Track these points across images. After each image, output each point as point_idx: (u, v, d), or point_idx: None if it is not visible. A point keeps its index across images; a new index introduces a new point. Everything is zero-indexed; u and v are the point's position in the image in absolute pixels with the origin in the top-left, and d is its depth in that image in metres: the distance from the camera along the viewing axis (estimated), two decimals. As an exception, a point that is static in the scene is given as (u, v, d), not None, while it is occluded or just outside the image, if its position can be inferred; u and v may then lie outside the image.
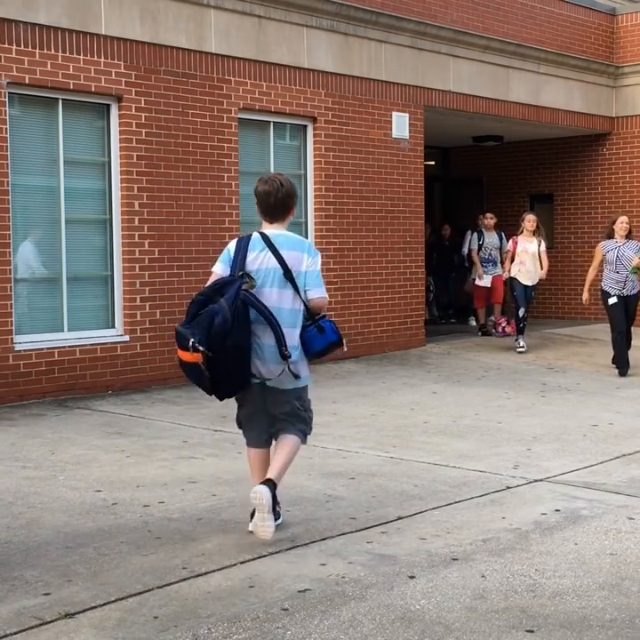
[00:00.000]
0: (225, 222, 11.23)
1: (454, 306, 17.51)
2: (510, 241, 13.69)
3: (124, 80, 10.26)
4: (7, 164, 9.43)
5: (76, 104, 10.10)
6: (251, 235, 5.30)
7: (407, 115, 13.35)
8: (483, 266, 15.17)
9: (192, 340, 4.99)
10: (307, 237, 12.38)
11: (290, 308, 5.21)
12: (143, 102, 10.43)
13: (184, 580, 4.68)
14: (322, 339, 5.24)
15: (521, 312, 13.30)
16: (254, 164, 11.81)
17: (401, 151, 13.32)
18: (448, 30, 13.66)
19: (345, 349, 5.41)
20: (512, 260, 13.44)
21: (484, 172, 18.44)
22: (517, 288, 13.40)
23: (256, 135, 11.85)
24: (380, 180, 13.01)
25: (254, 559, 4.98)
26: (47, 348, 9.73)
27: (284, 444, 5.32)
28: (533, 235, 13.41)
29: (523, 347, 13.25)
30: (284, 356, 5.10)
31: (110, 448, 7.61)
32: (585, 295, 12.33)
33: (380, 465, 7.10)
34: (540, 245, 13.38)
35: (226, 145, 11.23)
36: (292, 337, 5.19)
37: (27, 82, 9.55)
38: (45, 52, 9.63)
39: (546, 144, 17.56)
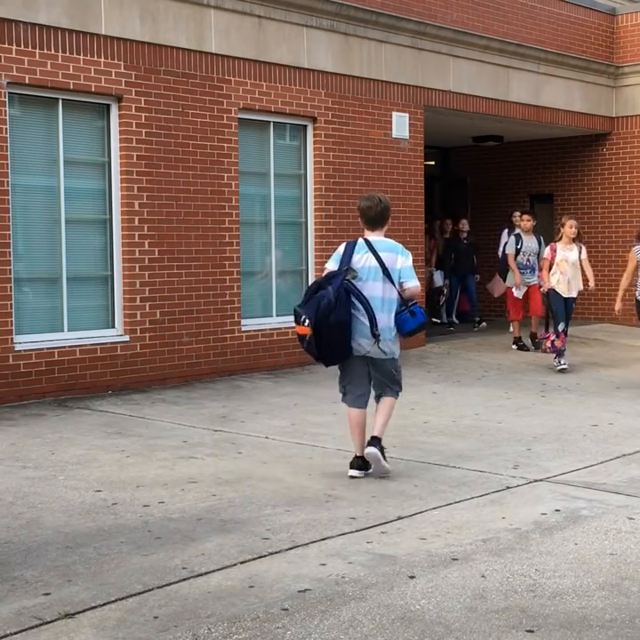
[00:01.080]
0: (225, 222, 11.23)
1: (478, 310, 16.39)
2: (548, 248, 12.38)
3: (123, 80, 10.26)
4: (7, 164, 9.43)
5: (76, 104, 10.10)
6: (357, 240, 6.79)
7: (407, 115, 13.35)
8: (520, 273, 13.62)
9: (303, 316, 6.44)
10: (306, 237, 12.40)
11: (387, 297, 6.58)
12: (143, 102, 10.43)
13: (184, 579, 4.68)
14: (413, 321, 6.73)
15: (560, 327, 11.96)
16: (254, 164, 11.81)
17: (401, 151, 13.32)
18: (448, 30, 13.66)
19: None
20: (549, 270, 12.10)
21: (471, 173, 18.48)
22: (556, 301, 12.03)
23: (256, 135, 11.85)
24: (379, 180, 13.01)
25: (254, 559, 4.98)
26: (47, 348, 9.73)
27: (384, 404, 6.78)
28: (573, 241, 12.16)
29: (564, 364, 11.90)
30: (374, 334, 6.51)
31: (110, 448, 7.61)
32: (617, 305, 11.45)
33: (380, 465, 7.09)
34: (580, 253, 12.16)
35: (226, 145, 11.23)
36: (386, 320, 6.61)
37: (27, 82, 9.55)
38: (45, 52, 9.63)
39: (546, 144, 17.56)
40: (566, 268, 11.94)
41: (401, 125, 13.27)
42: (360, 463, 6.59)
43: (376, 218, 6.77)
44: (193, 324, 10.94)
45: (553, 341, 11.98)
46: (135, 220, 10.42)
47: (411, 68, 13.36)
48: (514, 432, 8.34)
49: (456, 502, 6.09)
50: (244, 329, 11.48)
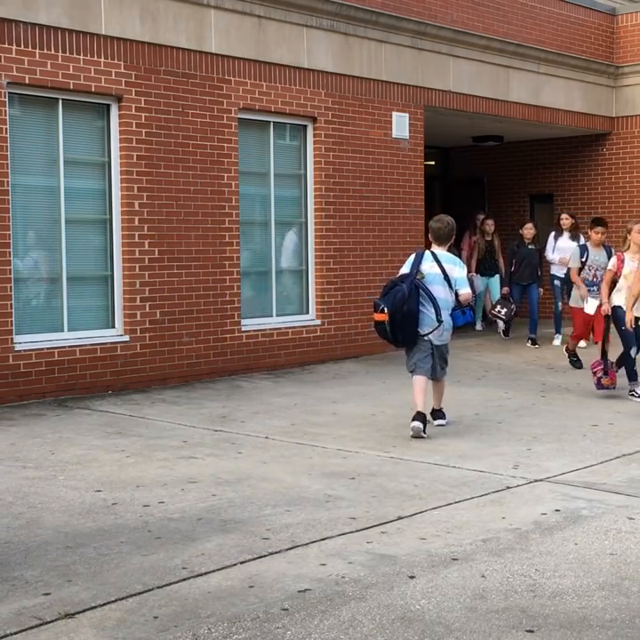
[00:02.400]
0: (225, 222, 11.23)
1: (536, 327, 14.36)
2: (613, 258, 10.48)
3: (123, 80, 10.26)
4: (7, 164, 9.43)
5: (76, 104, 10.10)
6: (424, 251, 8.66)
7: (407, 115, 13.35)
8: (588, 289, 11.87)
9: (382, 305, 8.22)
10: (307, 237, 12.40)
11: (445, 297, 8.33)
12: (143, 102, 10.43)
13: (184, 579, 4.68)
14: (462, 318, 8.52)
15: (633, 352, 10.05)
16: (254, 164, 11.81)
17: (401, 151, 13.32)
18: (448, 30, 13.66)
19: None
20: (614, 284, 10.25)
21: (471, 173, 18.46)
22: (625, 320, 9.87)
23: (256, 135, 11.85)
24: (379, 179, 13.01)
25: (254, 559, 4.98)
26: (47, 348, 9.73)
27: (440, 384, 8.79)
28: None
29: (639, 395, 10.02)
30: (438, 320, 8.24)
31: (110, 448, 7.61)
32: (628, 316, 9.88)
33: (380, 465, 7.10)
34: None
35: (226, 145, 11.23)
36: (445, 315, 8.32)
37: (27, 82, 9.55)
38: (45, 52, 9.63)
39: (546, 144, 17.56)
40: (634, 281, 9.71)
41: (401, 125, 13.27)
42: (421, 417, 8.17)
43: (442, 237, 8.52)
44: (193, 324, 10.94)
45: (600, 377, 10.06)
46: (135, 220, 10.42)
47: (411, 68, 13.36)
48: (514, 432, 8.34)
49: (456, 502, 6.09)
50: (243, 329, 11.48)
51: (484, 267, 15.39)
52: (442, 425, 8.65)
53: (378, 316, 8.30)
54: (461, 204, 18.30)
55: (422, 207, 13.77)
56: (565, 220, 14.35)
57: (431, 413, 8.66)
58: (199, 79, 10.95)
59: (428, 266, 8.42)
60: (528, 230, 14.44)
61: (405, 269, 8.61)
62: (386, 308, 8.17)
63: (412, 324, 8.24)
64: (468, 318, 8.67)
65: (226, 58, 11.22)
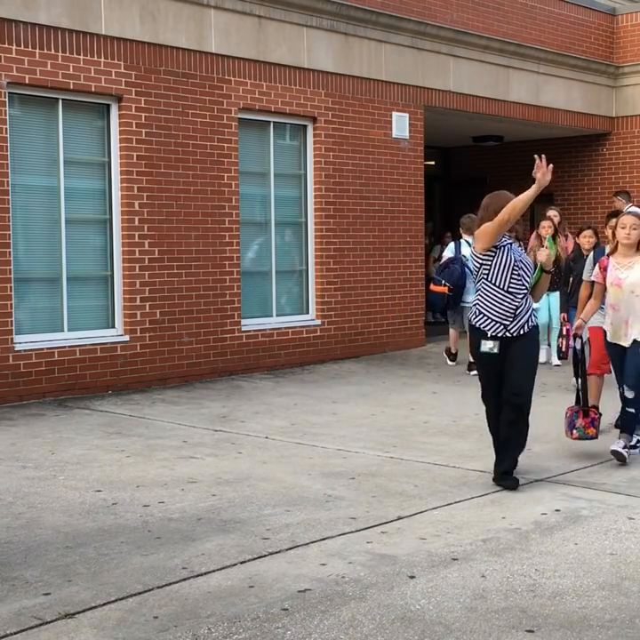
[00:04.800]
0: (225, 222, 11.23)
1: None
2: (597, 266, 7.79)
3: (123, 80, 10.26)
4: (7, 164, 9.43)
5: (76, 104, 10.10)
6: (460, 240, 12.01)
7: (407, 115, 13.35)
8: None
9: (443, 280, 11.60)
10: (307, 237, 12.40)
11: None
12: (143, 102, 10.43)
13: (184, 579, 4.68)
14: None
15: (629, 395, 7.33)
16: (254, 164, 11.81)
17: (401, 151, 13.32)
18: (448, 30, 13.66)
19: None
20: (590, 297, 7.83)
21: (470, 173, 18.46)
22: (608, 350, 7.63)
23: (256, 135, 11.85)
24: (380, 180, 13.01)
25: (254, 559, 4.98)
26: (47, 348, 9.73)
27: None
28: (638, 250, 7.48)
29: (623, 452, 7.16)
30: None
31: (110, 448, 7.61)
32: None
33: (380, 465, 7.10)
34: None
35: (226, 145, 11.23)
36: None
37: (27, 82, 9.55)
38: (45, 51, 9.63)
39: (546, 144, 17.53)
40: (620, 296, 7.26)
41: (401, 125, 13.27)
42: (452, 356, 12.21)
43: (472, 228, 9.79)
44: (193, 324, 10.94)
45: (572, 423, 7.42)
46: (135, 220, 10.42)
47: (411, 68, 13.36)
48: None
49: (456, 502, 6.09)
50: (243, 329, 11.48)
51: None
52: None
53: (439, 289, 11.68)
54: (462, 203, 18.30)
55: (422, 207, 13.77)
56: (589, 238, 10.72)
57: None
58: (199, 79, 10.95)
59: (466, 251, 11.42)
60: (586, 239, 10.70)
61: (448, 253, 12.12)
62: (446, 283, 11.57)
63: (461, 294, 11.62)
64: None
65: (226, 58, 11.22)
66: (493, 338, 6.54)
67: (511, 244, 6.61)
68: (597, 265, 7.61)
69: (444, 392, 10.45)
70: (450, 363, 12.37)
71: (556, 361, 11.88)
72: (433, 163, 17.88)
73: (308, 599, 4.42)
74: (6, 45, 9.38)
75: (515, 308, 6.54)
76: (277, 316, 12.07)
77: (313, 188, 12.33)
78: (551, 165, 6.69)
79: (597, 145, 17.00)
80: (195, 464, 7.09)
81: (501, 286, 6.53)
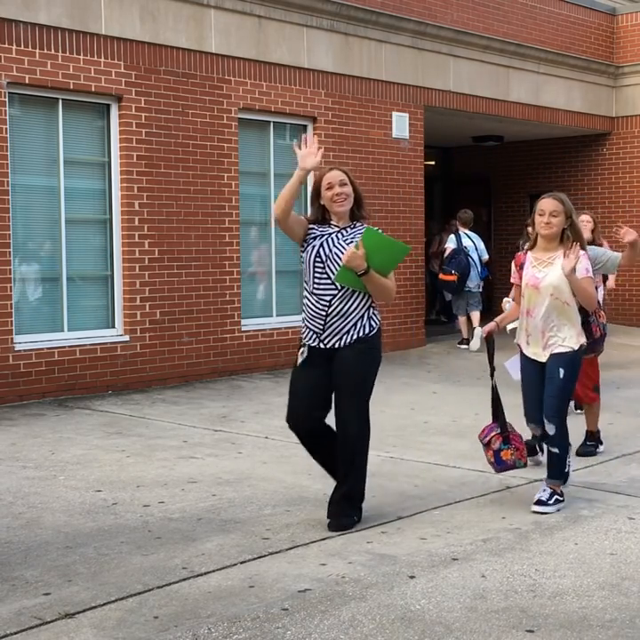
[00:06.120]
0: (225, 222, 11.23)
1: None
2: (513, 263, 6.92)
3: (124, 80, 10.26)
4: (7, 164, 9.43)
5: (76, 104, 10.10)
6: (458, 232, 13.67)
7: (407, 115, 13.35)
8: None
9: (452, 269, 13.24)
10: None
11: (478, 261, 13.70)
12: (143, 102, 10.43)
13: (184, 579, 4.68)
14: (485, 272, 14.05)
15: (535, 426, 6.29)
16: (254, 164, 11.81)
17: (401, 151, 13.32)
18: (448, 30, 13.66)
19: None
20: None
21: (471, 173, 18.46)
22: (522, 368, 6.40)
23: (256, 135, 11.85)
24: (380, 180, 13.01)
25: (254, 559, 4.98)
26: (47, 348, 9.73)
27: (475, 314, 14.20)
28: (560, 243, 6.29)
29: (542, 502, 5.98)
30: (480, 276, 13.75)
31: (110, 448, 7.61)
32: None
33: (380, 465, 7.10)
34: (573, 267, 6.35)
35: (226, 145, 11.23)
36: (480, 270, 13.57)
37: (27, 82, 9.55)
38: (45, 51, 9.63)
39: (546, 144, 17.56)
40: (536, 299, 6.05)
41: (401, 125, 13.27)
42: (466, 341, 13.71)
43: (468, 222, 13.54)
44: (193, 324, 10.94)
45: (497, 451, 6.18)
46: (135, 220, 10.42)
47: (411, 68, 13.36)
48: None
49: (456, 502, 6.09)
50: (243, 329, 11.48)
51: None
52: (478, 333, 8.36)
53: (449, 277, 13.46)
54: (462, 203, 18.30)
55: (422, 207, 13.77)
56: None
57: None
58: (199, 79, 10.95)
59: (466, 242, 13.54)
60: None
61: (452, 245, 13.66)
62: (455, 272, 13.34)
63: (465, 281, 13.41)
64: (485, 272, 13.84)
65: (226, 58, 11.22)
66: (306, 346, 5.50)
67: (331, 234, 5.46)
68: (513, 262, 6.28)
69: (443, 392, 10.45)
70: (466, 347, 13.48)
71: None
72: (433, 163, 17.88)
73: (308, 599, 4.42)
74: (6, 45, 9.38)
75: (323, 313, 5.40)
76: (277, 315, 12.06)
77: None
78: (321, 149, 5.75)
79: (597, 145, 17.00)
80: (195, 464, 7.09)
81: (309, 287, 5.49)
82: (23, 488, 6.38)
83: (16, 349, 9.51)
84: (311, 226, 5.51)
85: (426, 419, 8.98)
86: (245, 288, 11.65)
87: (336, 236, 5.45)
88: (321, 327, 5.42)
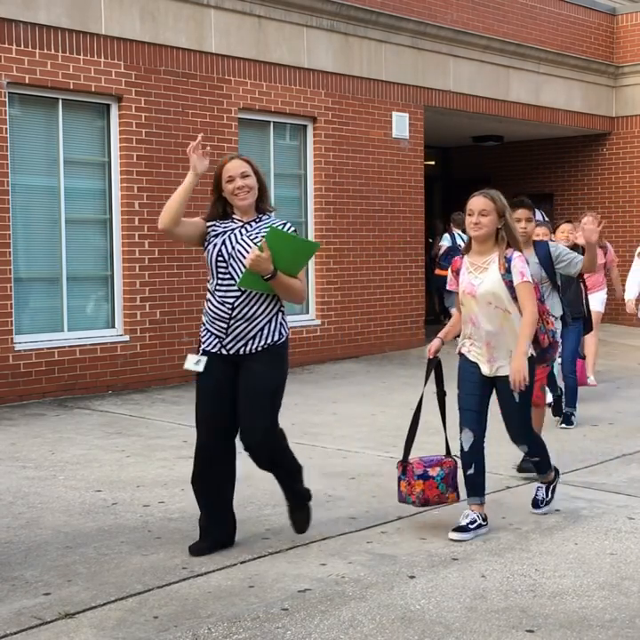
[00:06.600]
0: (225, 222, 11.22)
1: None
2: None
3: (124, 80, 10.26)
4: (7, 164, 9.43)
5: (76, 104, 10.10)
6: (452, 232, 14.68)
7: (407, 115, 13.35)
8: None
9: (448, 265, 8.11)
10: (306, 237, 12.39)
11: None
12: (143, 102, 10.43)
13: (184, 579, 4.68)
14: None
15: (465, 443, 6.01)
16: (254, 163, 11.80)
17: (401, 151, 13.32)
18: (448, 30, 13.66)
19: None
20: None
21: (470, 173, 18.45)
22: (460, 382, 6.42)
23: (256, 135, 11.85)
24: (380, 180, 13.01)
25: (254, 559, 4.98)
26: (47, 348, 9.73)
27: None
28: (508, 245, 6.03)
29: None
30: None
31: (110, 448, 7.61)
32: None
33: (380, 465, 7.09)
34: (519, 269, 5.72)
35: (226, 145, 11.22)
36: None
37: (27, 82, 9.55)
38: (45, 51, 9.63)
39: (546, 144, 17.56)
40: (475, 308, 5.55)
41: (401, 125, 13.27)
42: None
43: (463, 224, 10.53)
44: (193, 324, 10.93)
45: (398, 479, 5.63)
46: (135, 220, 10.42)
47: (411, 68, 13.36)
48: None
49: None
50: (244, 329, 11.47)
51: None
52: None
53: (444, 272, 14.24)
54: (462, 203, 18.28)
55: (422, 207, 13.77)
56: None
57: None
58: (199, 79, 10.95)
59: (460, 242, 13.82)
60: (565, 234, 9.19)
61: (447, 243, 14.80)
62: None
63: None
64: None
65: (226, 58, 11.22)
66: (204, 353, 5.08)
67: (234, 230, 4.98)
68: (450, 267, 5.76)
69: (444, 392, 10.43)
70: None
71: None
72: (433, 163, 17.88)
73: (308, 599, 4.42)
74: (6, 45, 9.38)
75: (226, 316, 4.92)
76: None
77: (313, 187, 12.33)
78: (207, 148, 5.46)
79: (597, 145, 17.00)
80: (195, 464, 7.08)
81: (211, 287, 5.00)
82: (23, 488, 6.38)
83: (16, 349, 9.51)
84: (211, 223, 5.03)
85: (426, 419, 8.95)
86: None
87: (239, 231, 4.96)
88: (224, 332, 4.94)
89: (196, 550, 5.02)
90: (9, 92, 9.50)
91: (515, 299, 5.34)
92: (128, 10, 10.31)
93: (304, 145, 12.36)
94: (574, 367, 8.73)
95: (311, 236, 12.36)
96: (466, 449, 5.53)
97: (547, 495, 5.88)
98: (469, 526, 5.35)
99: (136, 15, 10.38)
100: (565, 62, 15.64)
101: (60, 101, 9.94)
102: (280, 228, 4.92)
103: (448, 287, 5.76)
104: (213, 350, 5.01)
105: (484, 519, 5.47)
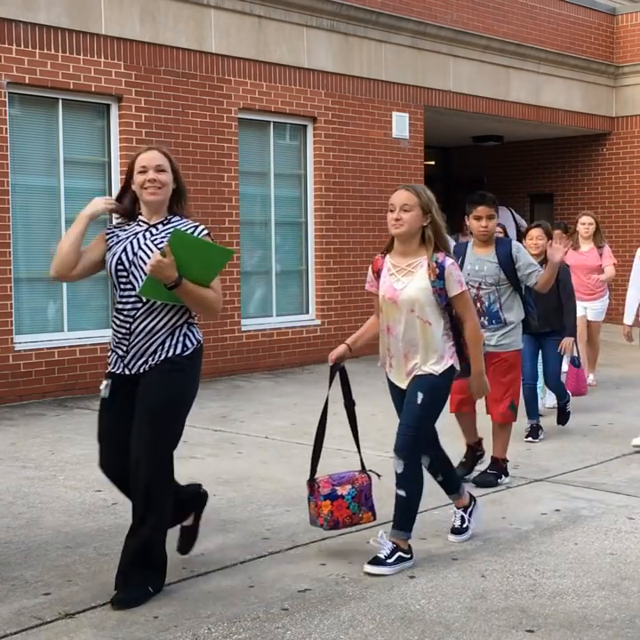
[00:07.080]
0: (225, 222, 11.23)
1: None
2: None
3: (124, 80, 10.26)
4: (7, 164, 9.43)
5: (76, 104, 10.10)
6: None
7: (407, 115, 13.35)
8: None
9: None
10: (306, 237, 12.40)
11: None
12: (143, 102, 10.43)
13: (184, 579, 4.67)
14: None
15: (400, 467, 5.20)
16: (254, 164, 11.81)
17: (401, 151, 13.32)
18: (448, 30, 13.67)
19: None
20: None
21: (470, 173, 18.45)
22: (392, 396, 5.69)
23: (256, 135, 11.85)
24: (380, 180, 13.01)
25: (254, 559, 4.98)
26: (47, 348, 9.73)
27: None
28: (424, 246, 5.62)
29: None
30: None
31: (110, 448, 7.60)
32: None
33: (380, 465, 7.09)
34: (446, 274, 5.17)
35: (226, 145, 11.23)
36: None
37: (27, 82, 9.55)
38: (45, 51, 9.63)
39: (546, 144, 17.57)
40: (395, 315, 5.03)
41: (401, 125, 13.27)
42: None
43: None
44: (193, 324, 10.93)
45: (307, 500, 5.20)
46: (135, 220, 10.41)
47: (411, 68, 13.36)
48: (514, 432, 8.31)
49: (456, 502, 6.08)
50: (243, 329, 11.48)
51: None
52: None
53: None
54: (462, 203, 18.28)
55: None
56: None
57: None
58: (199, 79, 10.96)
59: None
60: (533, 241, 8.07)
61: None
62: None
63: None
64: None
65: (226, 58, 11.22)
66: (110, 375, 4.44)
67: (137, 234, 4.42)
68: (370, 267, 5.13)
69: (443, 392, 10.44)
70: None
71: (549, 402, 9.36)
72: (433, 163, 17.88)
73: (308, 599, 4.42)
74: (6, 45, 9.38)
75: (126, 331, 4.38)
76: (277, 315, 12.07)
77: (313, 187, 12.33)
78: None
79: (597, 145, 17.01)
80: (194, 464, 7.09)
81: (115, 299, 4.49)
82: (23, 488, 6.38)
83: (16, 349, 9.51)
84: (109, 230, 4.52)
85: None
86: (245, 288, 11.66)
87: (143, 235, 4.39)
88: (125, 349, 4.38)
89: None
90: (9, 92, 9.50)
91: (442, 308, 4.87)
92: (128, 10, 10.32)
93: (304, 145, 12.36)
94: (559, 382, 8.42)
95: (311, 236, 12.37)
96: (400, 471, 4.96)
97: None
98: (388, 560, 4.76)
99: (136, 15, 10.38)
100: (565, 62, 15.65)
101: (60, 101, 9.94)
102: (191, 230, 4.38)
103: (367, 288, 5.17)
104: (117, 371, 4.43)
105: (407, 551, 4.84)
